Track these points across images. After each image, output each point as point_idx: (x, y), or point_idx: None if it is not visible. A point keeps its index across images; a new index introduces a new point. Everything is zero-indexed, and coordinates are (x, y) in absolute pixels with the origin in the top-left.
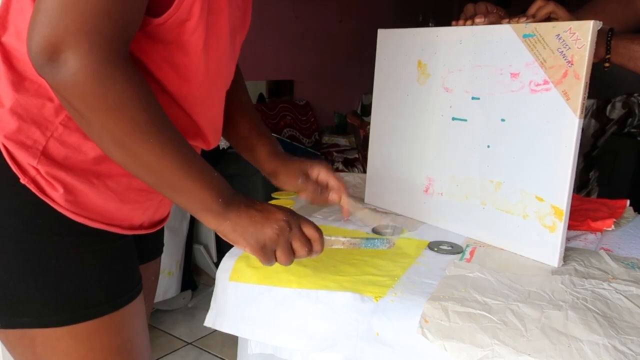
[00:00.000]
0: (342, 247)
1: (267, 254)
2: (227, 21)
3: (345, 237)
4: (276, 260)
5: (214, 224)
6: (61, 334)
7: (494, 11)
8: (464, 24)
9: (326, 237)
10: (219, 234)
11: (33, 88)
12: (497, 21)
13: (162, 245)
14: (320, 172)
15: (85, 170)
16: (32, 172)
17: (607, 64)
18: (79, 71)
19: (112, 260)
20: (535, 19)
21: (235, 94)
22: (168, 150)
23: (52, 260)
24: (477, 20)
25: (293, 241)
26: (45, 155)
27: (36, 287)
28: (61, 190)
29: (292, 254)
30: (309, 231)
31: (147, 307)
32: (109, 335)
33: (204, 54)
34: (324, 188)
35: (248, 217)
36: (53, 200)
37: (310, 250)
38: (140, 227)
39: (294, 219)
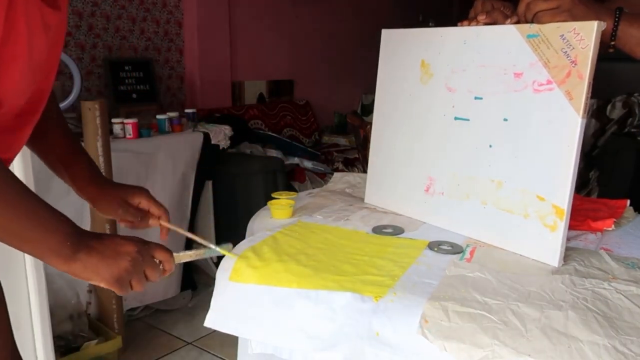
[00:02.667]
0: (190, 259)
1: (123, 285)
2: (24, 47)
3: (191, 250)
4: (132, 289)
5: (64, 267)
6: None
7: (501, 8)
8: (469, 25)
9: (175, 254)
10: (70, 275)
11: None
12: (501, 18)
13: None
14: (141, 201)
15: None
16: None
17: (611, 50)
18: None
19: None
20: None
21: (48, 110)
22: (10, 203)
23: None
24: (480, 17)
25: (146, 269)
26: None
27: None
28: None
29: (145, 281)
30: (159, 255)
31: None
32: None
33: None
34: (144, 215)
35: (98, 254)
36: None
37: (163, 271)
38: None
39: (145, 248)
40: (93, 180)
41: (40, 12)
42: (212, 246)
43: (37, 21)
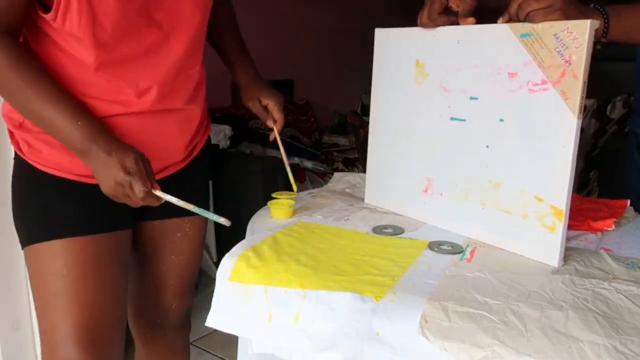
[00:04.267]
0: (175, 203)
1: (116, 198)
2: None
3: (180, 201)
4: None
5: (82, 158)
6: (26, 252)
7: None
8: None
9: (159, 192)
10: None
11: None
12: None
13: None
14: (269, 103)
15: (32, 130)
16: (15, 138)
17: (599, 46)
18: None
19: (67, 201)
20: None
21: (219, 17)
22: (42, 100)
23: (28, 198)
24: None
25: (128, 195)
26: (20, 126)
27: (22, 217)
28: (26, 147)
29: (130, 202)
30: (135, 189)
31: (175, 258)
32: (50, 258)
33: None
34: (268, 114)
35: (96, 163)
36: (24, 155)
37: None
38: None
39: (126, 180)
40: (246, 75)
41: None
42: (210, 214)
43: None
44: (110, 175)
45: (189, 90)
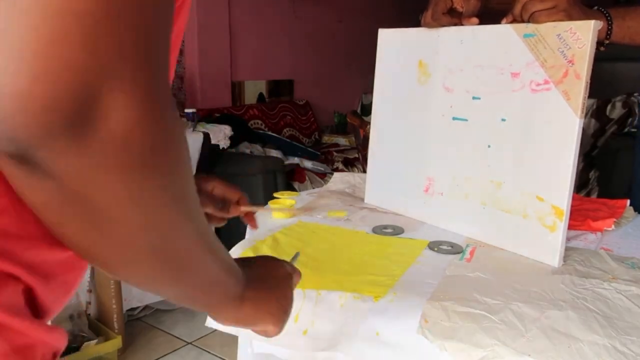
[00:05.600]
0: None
1: (286, 321)
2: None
3: None
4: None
5: (232, 313)
6: None
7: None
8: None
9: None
10: (233, 325)
11: None
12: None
13: None
14: (215, 186)
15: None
16: None
17: (602, 48)
18: (132, 129)
19: None
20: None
21: None
22: (205, 230)
23: None
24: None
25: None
26: None
27: None
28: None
29: None
30: (297, 280)
31: None
32: None
33: None
34: (223, 203)
35: (263, 287)
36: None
37: None
38: None
39: (291, 270)
40: None
41: None
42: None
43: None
44: (289, 300)
45: None
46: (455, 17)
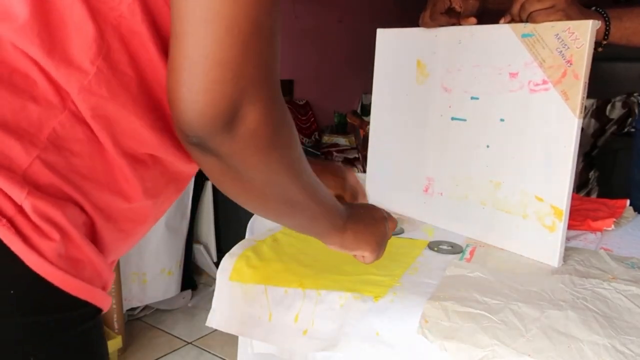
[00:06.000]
0: None
1: (382, 251)
2: None
3: None
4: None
5: (338, 239)
6: None
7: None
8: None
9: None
10: (338, 248)
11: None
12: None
13: None
14: (351, 180)
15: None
16: (10, 211)
17: (600, 49)
18: (261, 124)
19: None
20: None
21: None
22: (311, 181)
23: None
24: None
25: (388, 238)
26: (30, 182)
27: None
28: (57, 236)
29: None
30: (391, 224)
31: None
32: None
33: None
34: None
35: (361, 221)
36: (42, 256)
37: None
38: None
39: (387, 216)
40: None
41: None
42: None
43: None
44: (381, 220)
45: None
46: (453, 17)
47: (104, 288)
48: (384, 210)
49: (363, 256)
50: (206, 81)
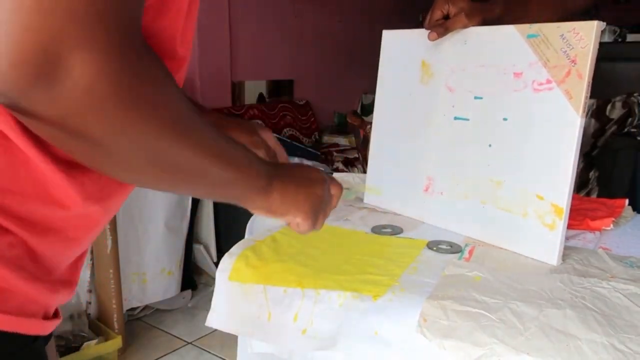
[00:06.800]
0: None
1: (319, 218)
2: None
3: None
4: (316, 226)
5: (261, 202)
6: None
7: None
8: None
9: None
10: (265, 214)
11: None
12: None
13: None
14: (271, 140)
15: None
16: None
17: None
18: (95, 80)
19: None
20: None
21: None
22: (207, 143)
23: None
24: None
25: (328, 204)
26: None
27: None
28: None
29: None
30: (335, 187)
31: None
32: None
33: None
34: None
35: (293, 182)
36: None
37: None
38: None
39: (328, 178)
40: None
41: None
42: None
43: None
44: (319, 179)
45: None
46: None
47: (45, 311)
48: (323, 172)
49: (297, 224)
50: (11, 24)
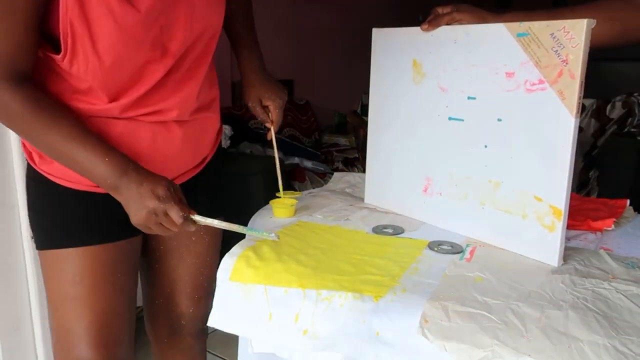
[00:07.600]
0: (216, 226)
1: (147, 229)
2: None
3: (222, 222)
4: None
5: (114, 195)
6: (41, 255)
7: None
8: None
9: (197, 217)
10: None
11: None
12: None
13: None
14: (270, 104)
15: None
16: (27, 148)
17: None
18: None
19: (82, 210)
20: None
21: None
22: (67, 140)
23: (42, 206)
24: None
25: (161, 223)
26: None
27: (37, 222)
28: (37, 158)
29: (164, 231)
30: (172, 215)
31: (190, 262)
32: (65, 265)
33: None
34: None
35: (129, 197)
36: (36, 165)
37: (169, 230)
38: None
39: (161, 208)
40: (251, 72)
41: None
42: (256, 232)
43: None
44: (142, 205)
45: (200, 101)
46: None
47: (79, 180)
48: (159, 199)
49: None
50: None
